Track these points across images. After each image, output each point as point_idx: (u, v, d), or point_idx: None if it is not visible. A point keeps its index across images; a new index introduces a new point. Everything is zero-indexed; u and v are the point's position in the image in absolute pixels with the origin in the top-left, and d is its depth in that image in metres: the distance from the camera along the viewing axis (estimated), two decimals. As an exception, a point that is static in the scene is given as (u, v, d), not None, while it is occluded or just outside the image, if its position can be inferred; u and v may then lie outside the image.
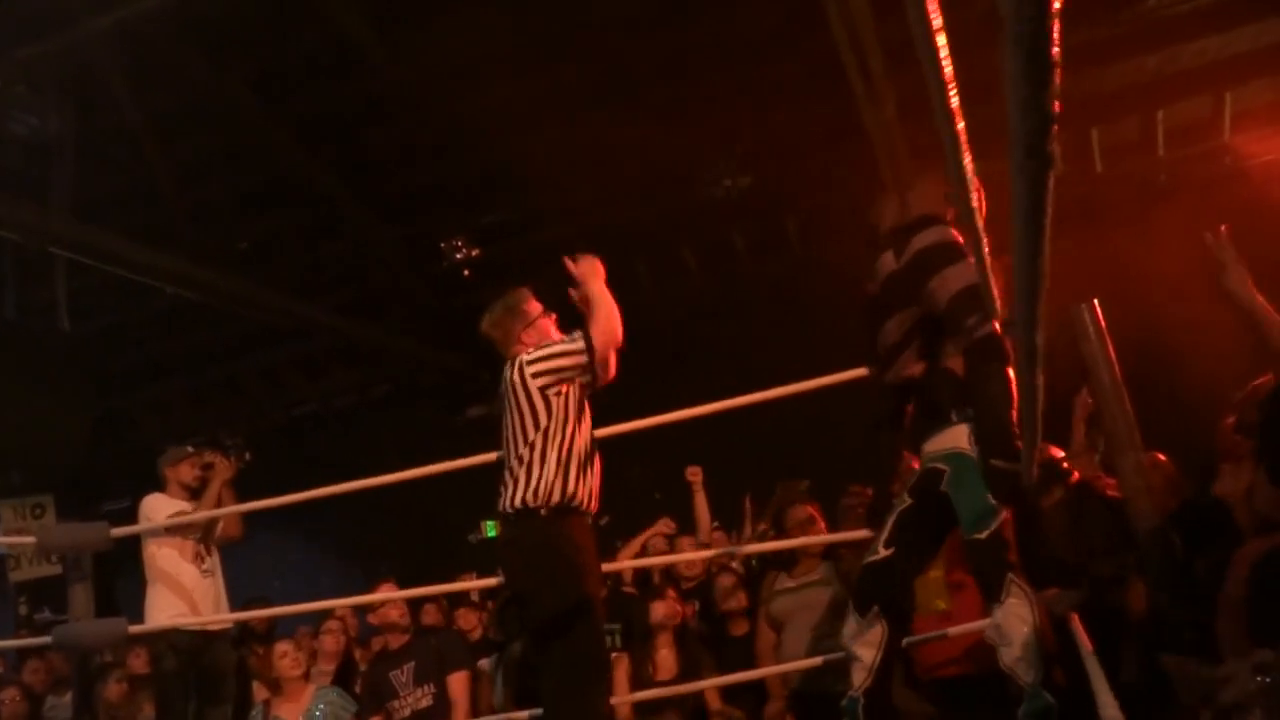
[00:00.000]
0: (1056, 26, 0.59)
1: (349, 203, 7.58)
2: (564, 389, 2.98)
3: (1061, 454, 4.10)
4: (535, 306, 3.29)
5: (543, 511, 2.90)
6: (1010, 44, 0.64)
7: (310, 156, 7.06)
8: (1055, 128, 0.72)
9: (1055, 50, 0.63)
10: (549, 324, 3.26)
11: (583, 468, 2.96)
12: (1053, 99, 0.69)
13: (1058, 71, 0.66)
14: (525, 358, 3.02)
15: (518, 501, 2.93)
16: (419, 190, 7.71)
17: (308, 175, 7.20)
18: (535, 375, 2.98)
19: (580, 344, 2.99)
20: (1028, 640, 2.68)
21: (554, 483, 2.91)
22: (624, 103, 6.69)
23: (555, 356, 3.00)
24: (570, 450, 2.95)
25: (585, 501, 2.97)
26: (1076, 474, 4.04)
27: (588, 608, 2.86)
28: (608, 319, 3.04)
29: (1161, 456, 3.66)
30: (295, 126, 6.84)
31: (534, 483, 2.91)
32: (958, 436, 2.91)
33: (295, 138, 6.88)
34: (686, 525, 5.65)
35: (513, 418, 3.00)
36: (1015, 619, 2.70)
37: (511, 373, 3.03)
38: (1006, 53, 0.64)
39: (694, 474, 5.56)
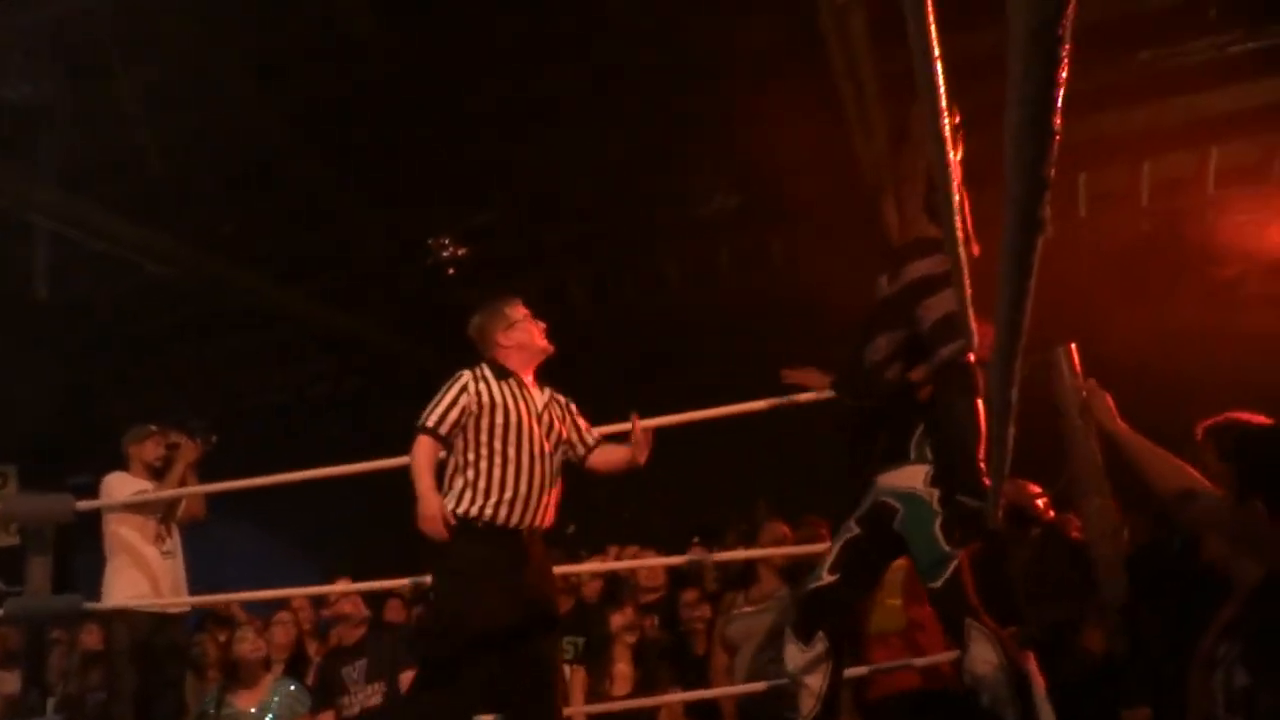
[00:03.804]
0: (1060, 96, 0.61)
1: (337, 191, 7.55)
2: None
3: (1039, 490, 4.13)
4: (520, 311, 3.32)
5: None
6: (1013, 110, 0.65)
7: (302, 142, 7.03)
8: (1048, 194, 0.73)
9: (1057, 120, 0.65)
10: (533, 328, 3.31)
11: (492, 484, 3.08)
12: (1049, 167, 0.71)
13: (1057, 140, 0.68)
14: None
15: None
16: (408, 185, 7.70)
17: (297, 161, 7.16)
18: None
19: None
20: (998, 680, 2.70)
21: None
22: (618, 114, 6.71)
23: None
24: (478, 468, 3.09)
25: (493, 519, 3.07)
26: (1051, 513, 4.08)
27: (456, 623, 3.02)
28: None
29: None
30: (288, 111, 6.81)
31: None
32: (915, 476, 2.90)
33: (288, 122, 6.85)
34: (647, 540, 5.65)
35: None
36: (982, 663, 2.71)
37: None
38: (1008, 118, 0.65)
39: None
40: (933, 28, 0.72)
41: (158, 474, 4.74)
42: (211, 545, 6.35)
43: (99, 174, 6.79)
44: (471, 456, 3.08)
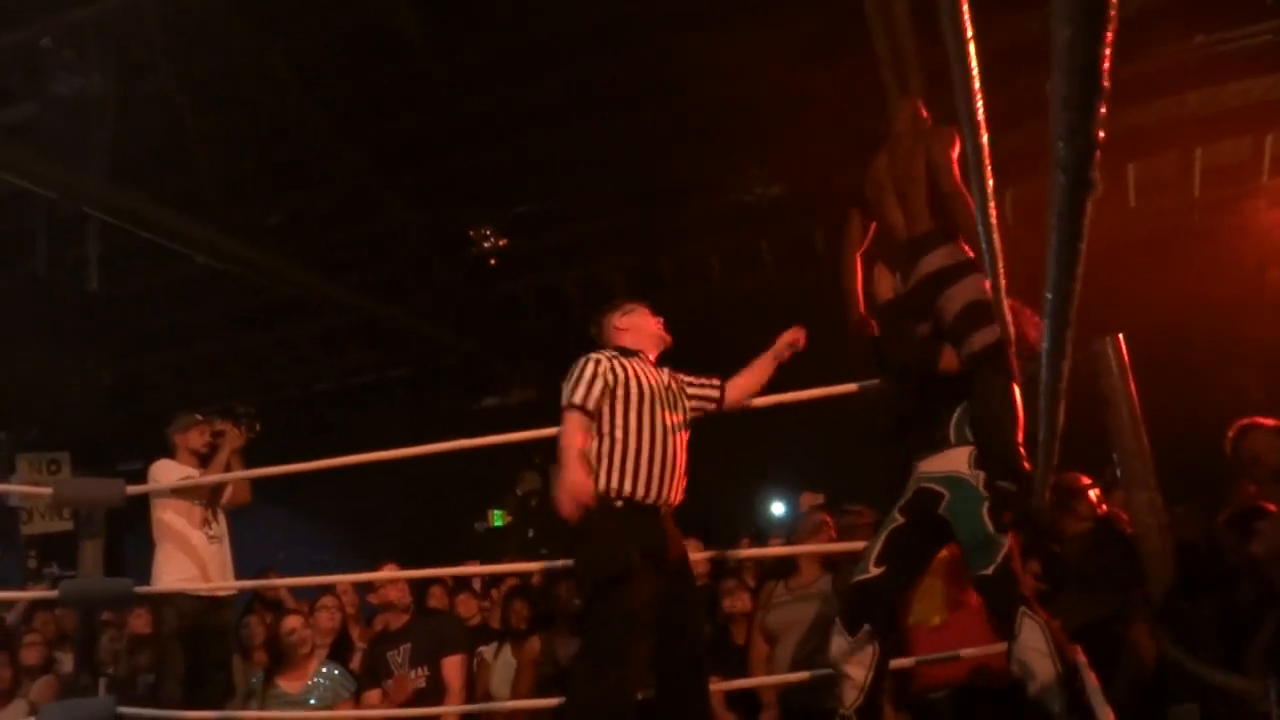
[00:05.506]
0: (1108, 52, 0.59)
1: (379, 184, 7.62)
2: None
3: (1090, 482, 4.06)
4: (638, 304, 3.38)
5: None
6: (1061, 65, 0.64)
7: (345, 136, 7.10)
8: (1099, 154, 0.72)
9: (1106, 77, 0.64)
10: (650, 317, 3.35)
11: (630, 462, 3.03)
12: (1099, 124, 0.69)
13: (1105, 97, 0.66)
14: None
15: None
16: (449, 177, 7.75)
17: (341, 154, 7.24)
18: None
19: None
20: (1047, 669, 2.65)
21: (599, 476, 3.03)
22: (661, 104, 6.70)
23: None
24: (613, 438, 3.04)
25: (633, 494, 3.02)
26: (1104, 507, 4.01)
27: (610, 596, 2.91)
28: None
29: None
30: (332, 105, 6.88)
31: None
32: (957, 459, 2.85)
33: (331, 116, 6.93)
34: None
35: None
36: (1032, 652, 2.66)
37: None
38: (1056, 73, 0.64)
39: None
40: (965, 7, 0.71)
41: (204, 461, 4.80)
42: (259, 530, 6.47)
43: (148, 168, 6.92)
44: (608, 428, 3.06)
